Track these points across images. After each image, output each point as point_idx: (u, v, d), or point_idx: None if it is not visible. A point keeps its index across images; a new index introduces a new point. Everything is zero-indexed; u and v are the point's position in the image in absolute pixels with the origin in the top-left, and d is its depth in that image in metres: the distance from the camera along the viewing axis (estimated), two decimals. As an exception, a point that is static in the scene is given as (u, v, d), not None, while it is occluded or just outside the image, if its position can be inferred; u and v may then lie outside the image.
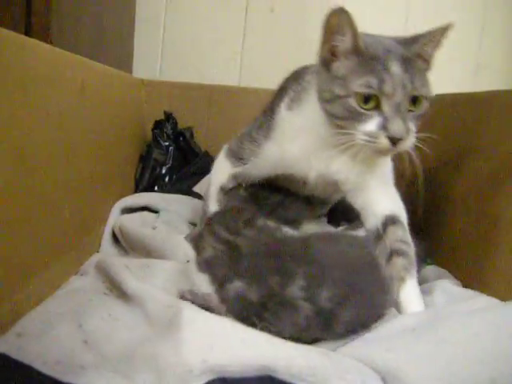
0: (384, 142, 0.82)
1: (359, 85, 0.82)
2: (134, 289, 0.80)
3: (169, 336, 0.66)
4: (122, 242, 1.11)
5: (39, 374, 0.60)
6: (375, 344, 0.71)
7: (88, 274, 0.93)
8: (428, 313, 0.83)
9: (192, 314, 0.69)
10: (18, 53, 0.73)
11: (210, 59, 1.79)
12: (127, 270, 0.87)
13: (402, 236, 0.93)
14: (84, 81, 1.00)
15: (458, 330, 0.68)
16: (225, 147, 1.15)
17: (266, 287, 0.75)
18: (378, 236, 0.94)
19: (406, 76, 0.82)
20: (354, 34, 0.82)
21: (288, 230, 0.92)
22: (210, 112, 1.62)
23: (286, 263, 0.78)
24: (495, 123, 1.03)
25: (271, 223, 0.90)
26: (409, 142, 0.84)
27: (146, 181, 1.43)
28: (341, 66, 0.85)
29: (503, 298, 0.82)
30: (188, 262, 0.92)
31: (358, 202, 0.98)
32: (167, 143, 1.51)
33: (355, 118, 0.84)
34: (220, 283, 0.79)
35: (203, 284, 0.81)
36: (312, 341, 0.75)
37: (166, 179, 1.48)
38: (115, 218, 1.16)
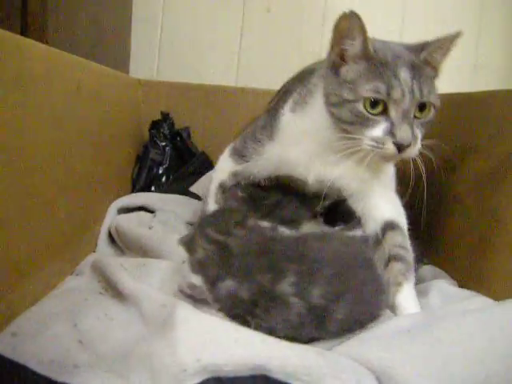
0: (390, 147, 0.82)
1: (368, 90, 0.82)
2: (130, 288, 0.80)
3: (163, 335, 0.66)
4: (119, 241, 1.11)
5: (34, 373, 0.60)
6: (371, 344, 0.71)
7: (84, 274, 0.93)
8: (423, 314, 0.83)
9: (186, 314, 0.69)
10: (14, 52, 0.73)
11: (207, 59, 1.79)
12: (123, 269, 0.87)
13: (400, 242, 0.93)
14: (80, 81, 1.00)
15: (453, 330, 0.68)
16: (230, 146, 1.15)
17: (257, 285, 0.76)
18: (377, 241, 0.94)
19: (415, 83, 0.82)
20: (364, 38, 0.83)
21: (285, 230, 0.92)
22: (207, 112, 1.62)
23: (277, 261, 0.79)
24: (493, 123, 1.03)
25: (267, 223, 0.91)
26: (415, 149, 0.84)
27: (143, 181, 1.43)
28: (350, 70, 0.86)
29: (501, 297, 0.82)
30: (184, 262, 0.92)
31: (358, 206, 0.98)
32: (164, 143, 1.51)
33: (362, 122, 0.84)
34: (212, 283, 0.80)
35: (193, 289, 0.82)
36: (307, 340, 0.75)
37: (163, 179, 1.48)
38: (112, 218, 1.16)
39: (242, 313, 0.76)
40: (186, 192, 1.43)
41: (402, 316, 0.84)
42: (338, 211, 1.15)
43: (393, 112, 0.82)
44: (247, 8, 1.78)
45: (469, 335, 0.66)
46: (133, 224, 1.12)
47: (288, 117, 0.98)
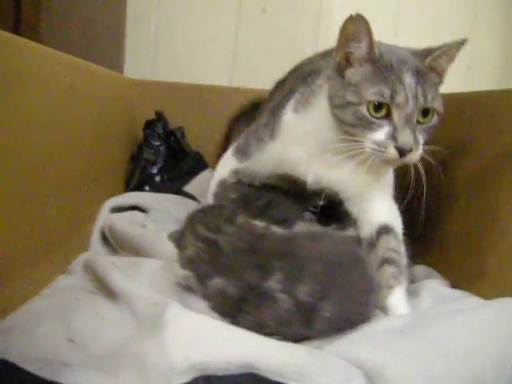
0: (392, 152, 0.83)
1: (372, 93, 0.83)
2: (121, 287, 0.80)
3: (153, 334, 0.66)
4: (111, 241, 1.10)
5: (23, 371, 0.60)
6: (361, 343, 0.71)
7: (76, 273, 0.93)
8: (414, 314, 0.83)
9: (176, 313, 0.69)
10: (7, 51, 0.73)
11: (202, 59, 1.79)
12: (115, 268, 0.87)
13: (394, 246, 0.93)
14: (73, 80, 1.00)
15: (443, 330, 0.68)
16: (234, 144, 1.16)
17: (245, 281, 0.77)
18: (372, 244, 0.95)
19: (419, 88, 0.83)
20: (370, 41, 0.83)
21: (277, 230, 0.92)
22: (202, 112, 1.62)
23: (265, 258, 0.79)
24: (488, 123, 1.03)
25: (259, 223, 0.91)
26: (416, 154, 0.84)
27: (137, 180, 1.43)
28: (355, 73, 0.86)
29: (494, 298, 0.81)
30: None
31: (355, 209, 0.98)
32: (158, 143, 1.51)
33: (365, 125, 0.84)
34: (201, 280, 0.81)
35: (188, 280, 0.84)
36: (298, 339, 0.75)
37: (157, 179, 1.47)
38: (104, 217, 1.16)
39: (231, 309, 0.77)
40: (179, 192, 1.44)
41: (394, 316, 0.84)
42: (332, 211, 1.15)
43: (396, 116, 0.83)
44: (242, 8, 1.78)
45: (458, 334, 0.66)
46: (126, 223, 1.12)
47: (290, 117, 0.98)
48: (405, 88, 0.82)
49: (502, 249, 0.91)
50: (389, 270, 0.90)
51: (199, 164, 1.54)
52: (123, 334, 0.71)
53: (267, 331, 0.72)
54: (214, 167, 1.53)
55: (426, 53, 0.87)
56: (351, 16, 0.82)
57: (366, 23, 0.82)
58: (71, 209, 1.01)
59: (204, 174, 1.51)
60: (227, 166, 1.13)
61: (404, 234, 0.97)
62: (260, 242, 0.84)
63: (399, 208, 0.99)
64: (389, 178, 1.00)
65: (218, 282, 0.79)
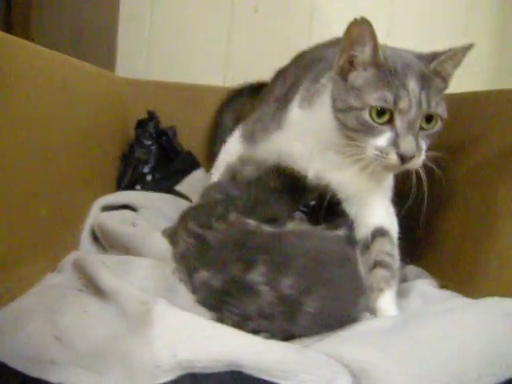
0: (393, 158, 0.82)
1: (375, 98, 0.82)
2: (110, 285, 0.80)
3: (141, 332, 0.66)
4: (102, 239, 1.10)
5: (9, 369, 0.60)
6: (349, 342, 0.71)
7: (65, 271, 0.93)
8: (404, 315, 0.84)
9: (164, 311, 0.69)
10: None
11: (195, 59, 1.79)
12: (104, 266, 0.87)
13: (388, 249, 0.93)
14: (65, 78, 1.00)
15: (429, 329, 0.69)
16: (240, 127, 1.15)
17: (229, 274, 0.78)
18: (366, 245, 0.95)
19: (423, 94, 0.82)
20: (375, 45, 0.83)
21: (268, 228, 0.92)
22: (195, 112, 1.62)
23: (250, 252, 0.80)
24: (486, 123, 1.03)
25: (252, 221, 0.91)
26: (418, 161, 0.84)
27: (128, 179, 1.43)
28: (358, 77, 0.85)
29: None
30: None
31: (352, 210, 0.98)
32: (150, 142, 1.51)
33: (367, 131, 0.84)
34: (189, 274, 0.83)
35: (179, 274, 0.86)
36: (288, 337, 0.76)
37: (148, 178, 1.47)
38: (95, 216, 1.15)
39: (216, 302, 0.78)
40: (171, 191, 1.44)
41: (383, 317, 0.85)
42: (323, 212, 1.15)
43: (398, 122, 0.82)
44: (235, 8, 1.79)
45: (444, 333, 0.67)
46: (116, 222, 1.12)
47: (295, 112, 0.98)
48: (408, 93, 0.81)
49: (500, 249, 0.90)
50: (381, 273, 0.90)
51: (191, 163, 1.54)
52: (111, 332, 0.71)
53: (253, 325, 0.73)
54: (206, 167, 1.54)
55: (432, 57, 0.86)
56: (355, 19, 0.81)
57: (371, 27, 0.81)
58: (61, 207, 1.01)
59: (196, 174, 1.51)
60: (234, 151, 1.13)
61: (400, 239, 0.96)
62: (248, 237, 0.85)
63: (398, 213, 0.98)
64: (389, 182, 0.99)
65: (203, 275, 0.81)
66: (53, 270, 0.95)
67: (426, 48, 0.91)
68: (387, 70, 0.83)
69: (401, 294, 0.91)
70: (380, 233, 0.95)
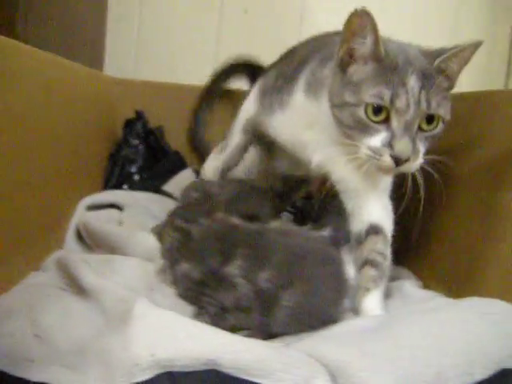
0: (387, 160, 0.79)
1: (371, 95, 0.79)
2: (92, 284, 0.80)
3: (120, 330, 0.65)
4: (87, 238, 1.10)
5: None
6: (329, 341, 0.71)
7: (49, 270, 0.92)
8: (385, 315, 0.84)
9: (144, 309, 0.69)
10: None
11: (184, 59, 1.79)
12: (86, 265, 0.87)
13: (380, 248, 0.91)
14: (51, 78, 1.00)
15: (409, 328, 0.69)
16: (258, 84, 1.14)
17: (207, 266, 0.80)
18: (359, 241, 0.93)
19: (423, 93, 0.78)
20: (376, 38, 0.79)
21: (252, 225, 0.93)
22: (183, 112, 1.61)
23: (229, 245, 0.81)
24: (485, 124, 1.01)
25: (237, 220, 0.92)
26: (414, 164, 0.80)
27: (115, 179, 1.43)
28: (357, 71, 0.82)
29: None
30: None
31: (349, 203, 0.95)
32: (137, 142, 1.50)
33: (362, 129, 0.80)
34: (171, 266, 0.85)
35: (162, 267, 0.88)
36: (268, 336, 0.76)
37: (136, 178, 1.47)
38: (80, 215, 1.15)
39: (194, 293, 0.80)
40: (158, 191, 1.43)
41: (365, 317, 0.85)
42: (308, 211, 1.16)
43: (395, 122, 0.78)
44: (224, 8, 1.78)
45: (422, 332, 0.66)
46: (101, 221, 1.12)
47: (300, 96, 0.94)
48: (407, 92, 0.77)
49: (501, 255, 0.86)
50: (370, 272, 0.90)
51: (178, 163, 1.55)
52: (91, 331, 0.71)
53: (231, 318, 0.74)
54: (193, 166, 1.55)
55: (438, 53, 0.81)
56: (356, 10, 0.78)
57: (372, 18, 0.77)
58: (46, 206, 1.01)
59: (183, 174, 1.51)
60: (250, 109, 1.12)
61: (393, 242, 0.94)
62: (229, 231, 0.86)
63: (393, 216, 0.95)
64: (388, 178, 0.95)
65: (184, 267, 0.83)
66: (36, 268, 0.94)
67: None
68: (387, 65, 0.79)
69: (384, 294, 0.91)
70: (374, 230, 0.92)
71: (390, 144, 0.78)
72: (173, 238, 0.88)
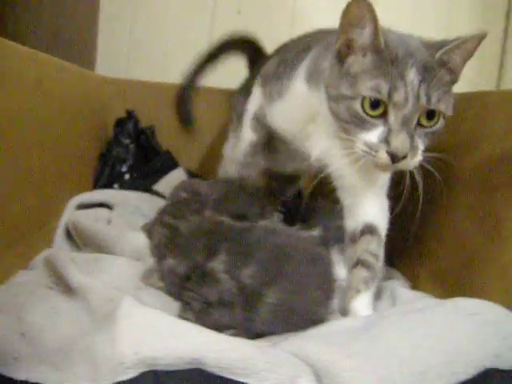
0: (383, 157, 0.75)
1: (367, 88, 0.75)
2: (78, 282, 0.80)
3: (106, 329, 0.65)
4: (76, 237, 1.10)
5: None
6: (315, 340, 0.71)
7: (36, 269, 0.92)
8: (372, 315, 0.84)
9: (130, 307, 0.68)
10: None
11: (177, 59, 1.78)
12: (73, 263, 0.87)
13: (374, 249, 0.91)
14: (40, 76, 1.00)
15: (392, 328, 0.69)
16: (261, 72, 1.10)
17: (192, 261, 0.80)
18: (354, 240, 0.92)
19: (423, 86, 0.74)
20: (375, 28, 0.76)
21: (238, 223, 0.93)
22: (174, 111, 1.62)
23: (215, 241, 0.82)
24: (481, 126, 1.00)
25: (226, 218, 0.92)
26: (412, 161, 0.77)
27: (106, 178, 1.42)
28: (355, 63, 0.79)
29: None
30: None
31: (345, 200, 0.94)
32: (128, 141, 1.50)
33: (358, 123, 0.77)
34: (159, 262, 0.86)
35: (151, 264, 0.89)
36: (254, 336, 0.76)
37: (126, 177, 1.47)
38: (70, 214, 1.15)
39: (179, 288, 0.81)
40: (149, 190, 1.43)
41: (351, 318, 0.85)
42: (296, 212, 1.16)
43: (392, 117, 0.75)
44: (217, 9, 1.78)
45: (407, 332, 0.67)
46: (91, 220, 1.12)
47: (300, 83, 0.91)
48: (406, 85, 0.74)
49: (503, 257, 0.84)
50: (361, 273, 0.89)
51: (169, 163, 1.54)
52: (77, 329, 0.71)
53: (215, 313, 0.75)
54: (184, 166, 1.54)
55: (440, 45, 0.78)
56: None
57: (371, 7, 0.74)
58: (35, 205, 1.00)
59: (174, 173, 1.50)
60: (256, 101, 1.07)
61: (387, 236, 0.93)
62: (217, 228, 0.86)
63: (389, 217, 0.94)
64: (385, 176, 0.93)
65: (170, 262, 0.84)
66: (25, 267, 0.94)
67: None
68: (387, 56, 0.76)
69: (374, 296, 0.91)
70: (369, 230, 0.91)
71: (386, 140, 0.75)
72: (161, 235, 0.89)
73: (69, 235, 1.12)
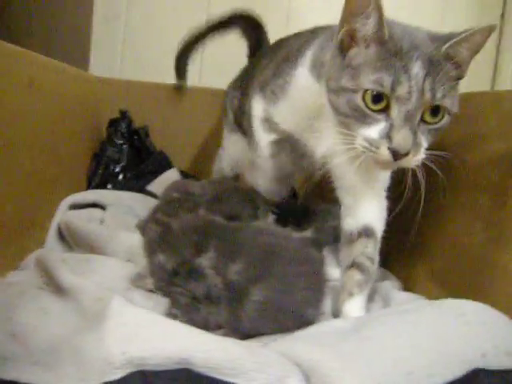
0: (384, 153, 0.72)
1: (370, 81, 0.72)
2: (69, 282, 0.80)
3: (94, 329, 0.65)
4: (68, 237, 1.10)
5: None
6: (302, 340, 0.72)
7: (28, 269, 0.92)
8: (363, 316, 0.84)
9: (119, 307, 0.69)
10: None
11: (171, 59, 1.78)
12: (64, 264, 0.87)
13: (370, 252, 0.90)
14: (33, 75, 1.00)
15: (382, 329, 0.69)
16: (257, 82, 1.07)
17: (181, 257, 0.81)
18: (350, 240, 0.92)
19: (428, 81, 0.71)
20: (379, 18, 0.72)
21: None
22: (168, 112, 1.62)
23: (205, 238, 0.82)
24: (485, 125, 0.98)
25: (218, 218, 0.92)
26: (414, 159, 0.74)
27: (99, 179, 1.42)
28: (358, 55, 0.75)
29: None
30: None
31: (344, 200, 0.94)
32: (121, 141, 1.50)
33: (359, 118, 0.74)
34: (149, 258, 0.86)
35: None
36: (244, 336, 0.76)
37: (120, 178, 1.47)
38: (62, 214, 1.15)
39: (167, 284, 0.82)
40: (142, 191, 1.43)
41: (341, 319, 0.85)
42: (290, 213, 1.16)
43: (395, 111, 0.72)
44: (211, 9, 1.79)
45: (396, 333, 0.67)
46: (83, 220, 1.12)
47: (303, 75, 0.88)
48: (410, 79, 0.70)
49: (508, 259, 0.83)
50: (356, 276, 0.88)
51: (163, 163, 1.54)
52: (67, 330, 0.70)
53: (203, 310, 0.76)
54: (178, 166, 1.54)
55: (447, 38, 0.74)
56: None
57: None
58: (28, 205, 1.01)
59: (168, 174, 1.50)
60: (259, 107, 1.03)
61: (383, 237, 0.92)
62: (208, 226, 0.86)
63: (389, 217, 0.92)
64: (386, 175, 0.92)
65: (159, 258, 0.84)
66: (16, 267, 0.94)
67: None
68: (391, 49, 0.72)
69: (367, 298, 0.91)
70: (366, 233, 0.90)
71: (388, 136, 0.72)
72: (153, 231, 0.89)
73: (61, 235, 1.12)
